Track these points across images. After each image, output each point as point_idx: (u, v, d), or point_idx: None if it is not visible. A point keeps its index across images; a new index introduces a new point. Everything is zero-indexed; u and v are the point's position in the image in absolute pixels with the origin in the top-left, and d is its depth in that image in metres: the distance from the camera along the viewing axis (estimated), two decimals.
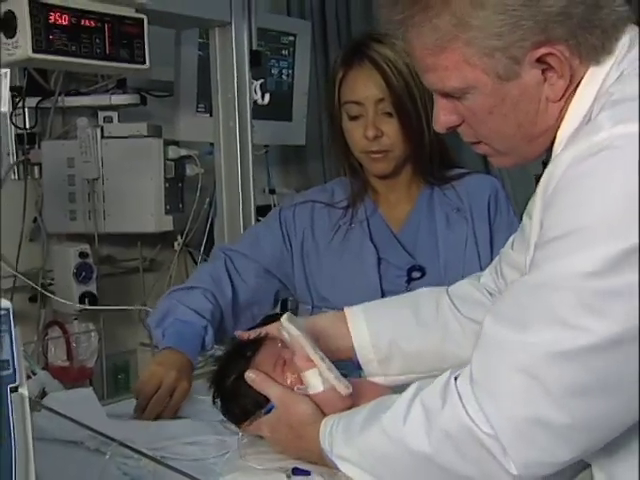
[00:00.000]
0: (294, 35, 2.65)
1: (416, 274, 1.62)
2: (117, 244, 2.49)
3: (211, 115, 2.14)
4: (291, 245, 1.70)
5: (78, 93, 2.35)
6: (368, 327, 1.31)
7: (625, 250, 0.82)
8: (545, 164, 1.02)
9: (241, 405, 1.23)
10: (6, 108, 1.35)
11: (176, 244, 2.43)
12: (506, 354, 0.91)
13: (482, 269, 1.54)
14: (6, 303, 0.78)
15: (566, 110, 0.98)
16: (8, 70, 1.41)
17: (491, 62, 0.95)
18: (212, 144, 2.17)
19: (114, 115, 2.34)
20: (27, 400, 0.79)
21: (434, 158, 1.65)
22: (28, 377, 1.38)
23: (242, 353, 1.28)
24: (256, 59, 1.98)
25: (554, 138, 1.00)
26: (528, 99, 0.98)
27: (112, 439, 1.10)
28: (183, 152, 2.29)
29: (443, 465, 0.95)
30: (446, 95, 1.03)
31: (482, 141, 1.06)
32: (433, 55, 0.98)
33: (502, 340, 0.92)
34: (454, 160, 1.72)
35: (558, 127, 0.99)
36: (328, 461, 1.07)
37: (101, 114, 2.34)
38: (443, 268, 1.61)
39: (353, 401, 1.15)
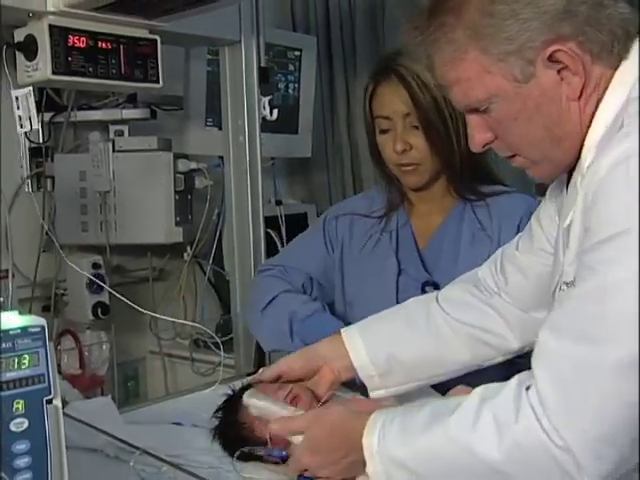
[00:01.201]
0: (300, 50, 2.71)
1: (429, 289, 1.64)
2: (127, 254, 2.55)
3: (219, 129, 2.19)
4: (334, 254, 1.76)
5: (90, 108, 2.41)
6: (365, 346, 1.37)
7: None
8: (570, 173, 1.07)
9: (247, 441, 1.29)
10: (36, 125, 1.41)
11: (185, 255, 2.48)
12: (579, 369, 0.89)
13: None
14: (41, 320, 0.84)
15: (588, 114, 1.02)
16: (30, 88, 1.48)
17: (507, 67, 1.00)
18: (220, 157, 2.22)
19: (125, 129, 2.40)
20: (61, 411, 0.84)
21: (466, 172, 1.64)
22: None
23: (232, 402, 1.38)
24: (265, 76, 2.03)
25: (582, 146, 1.03)
26: (549, 100, 1.02)
27: (136, 447, 1.15)
28: (192, 165, 2.34)
29: (509, 475, 0.94)
30: (474, 111, 1.07)
31: (516, 153, 1.09)
32: (453, 68, 1.04)
33: (572, 355, 0.90)
34: (493, 176, 1.71)
35: (584, 133, 1.03)
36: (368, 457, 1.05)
37: (112, 128, 2.40)
38: None
39: None
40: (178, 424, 1.44)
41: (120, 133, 2.40)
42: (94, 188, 2.31)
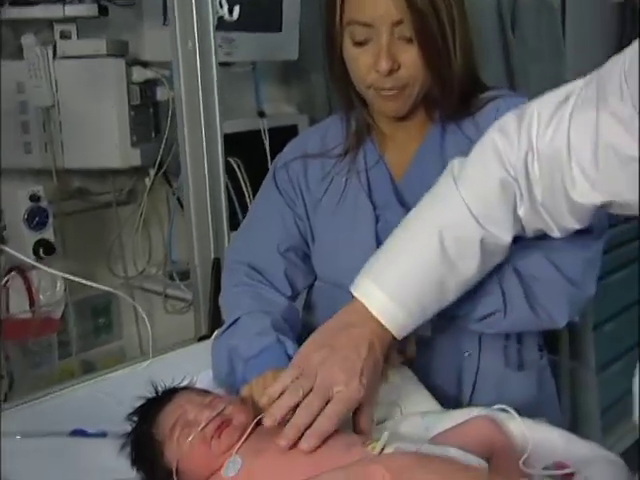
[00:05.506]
0: None
1: None
2: (85, 176, 2.21)
3: None
4: (296, 207, 1.41)
5: (27, 3, 2.01)
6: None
7: None
8: None
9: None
10: None
11: (147, 179, 2.14)
12: None
13: None
14: None
15: None
16: None
17: None
18: None
19: (72, 29, 2.02)
20: None
21: (460, 90, 1.27)
22: None
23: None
24: None
25: None
26: None
27: None
28: (149, 74, 1.98)
29: None
30: None
31: None
32: None
33: None
34: (482, 85, 1.34)
35: None
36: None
37: (57, 28, 2.02)
38: None
39: None
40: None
41: (67, 34, 2.02)
42: (34, 102, 1.96)
